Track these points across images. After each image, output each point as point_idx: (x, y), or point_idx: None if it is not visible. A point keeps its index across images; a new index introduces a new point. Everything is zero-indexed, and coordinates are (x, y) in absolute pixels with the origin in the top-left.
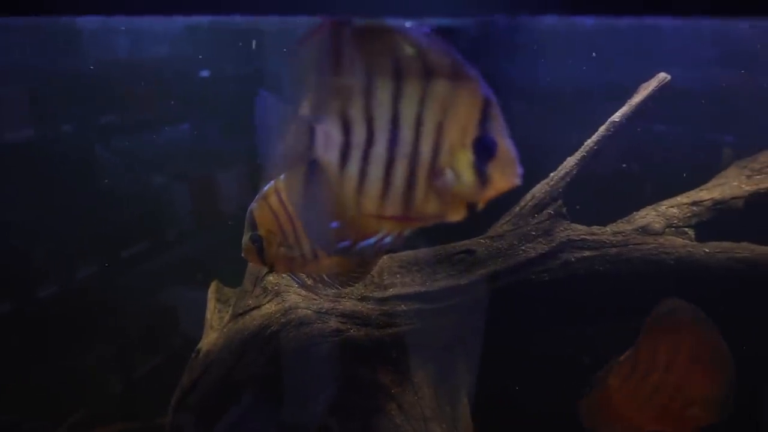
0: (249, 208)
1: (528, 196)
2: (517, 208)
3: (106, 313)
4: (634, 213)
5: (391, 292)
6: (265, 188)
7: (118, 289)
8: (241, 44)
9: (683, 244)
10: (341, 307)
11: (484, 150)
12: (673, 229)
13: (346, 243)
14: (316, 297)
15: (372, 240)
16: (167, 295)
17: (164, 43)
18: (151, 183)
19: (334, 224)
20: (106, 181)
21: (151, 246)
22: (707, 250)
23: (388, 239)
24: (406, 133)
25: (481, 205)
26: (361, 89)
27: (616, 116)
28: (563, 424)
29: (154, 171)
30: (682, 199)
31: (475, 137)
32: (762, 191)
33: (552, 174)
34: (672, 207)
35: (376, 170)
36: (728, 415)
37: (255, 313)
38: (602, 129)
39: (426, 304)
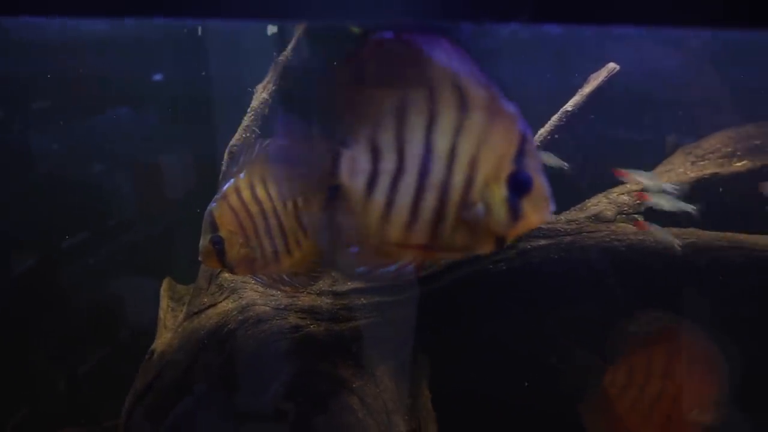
0: (208, 209)
1: None
2: None
3: (47, 306)
4: (587, 201)
5: (349, 286)
6: (224, 187)
7: (58, 282)
8: (185, 30)
9: (634, 231)
10: (300, 302)
11: (519, 186)
12: (624, 216)
13: (363, 269)
14: (273, 293)
15: (393, 267)
16: (112, 287)
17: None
18: (91, 171)
19: (354, 249)
20: (43, 169)
21: (93, 236)
22: None
23: (409, 267)
24: (438, 164)
25: (509, 240)
26: (396, 116)
27: (569, 106)
28: (522, 414)
29: (93, 158)
30: (632, 186)
31: (510, 172)
32: (706, 177)
33: None
34: (622, 194)
35: (404, 199)
36: (726, 415)
37: (211, 311)
38: (555, 118)
39: (385, 296)
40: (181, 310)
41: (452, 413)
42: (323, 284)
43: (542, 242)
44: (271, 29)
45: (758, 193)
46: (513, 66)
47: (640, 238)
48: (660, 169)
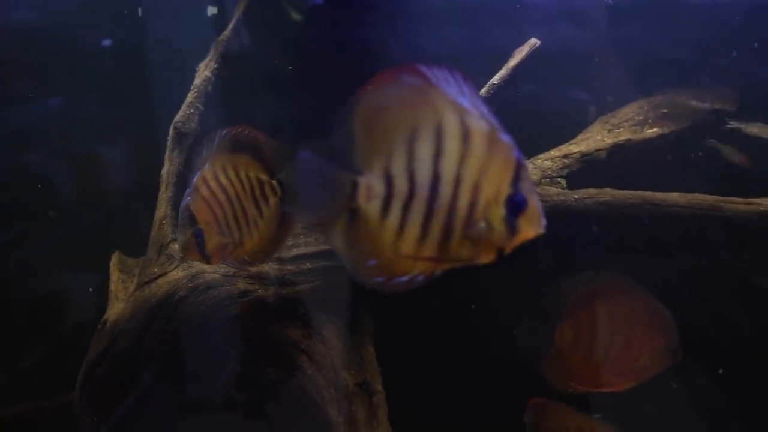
0: (183, 204)
1: None
2: None
3: None
4: None
5: (295, 252)
6: (194, 179)
7: None
8: (125, 12)
9: (557, 192)
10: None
11: (516, 206)
12: (547, 179)
13: (380, 279)
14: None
15: (406, 277)
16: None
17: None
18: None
19: (372, 262)
20: None
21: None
22: (577, 197)
23: (421, 277)
24: (445, 189)
25: (508, 250)
26: (407, 146)
27: (495, 79)
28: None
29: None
30: (555, 152)
31: (508, 195)
32: (621, 143)
33: None
34: (546, 160)
35: (415, 220)
36: (680, 359)
37: (161, 280)
38: (483, 91)
39: (331, 261)
40: (132, 282)
41: (395, 368)
42: None
43: None
44: (211, 10)
45: (666, 155)
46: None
47: (562, 198)
48: (581, 137)
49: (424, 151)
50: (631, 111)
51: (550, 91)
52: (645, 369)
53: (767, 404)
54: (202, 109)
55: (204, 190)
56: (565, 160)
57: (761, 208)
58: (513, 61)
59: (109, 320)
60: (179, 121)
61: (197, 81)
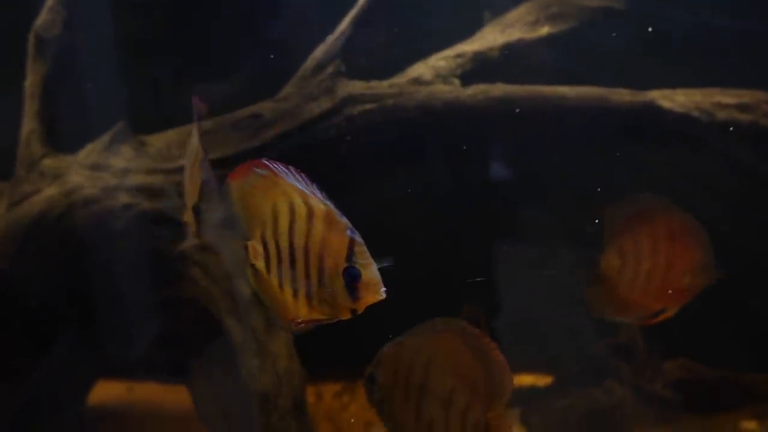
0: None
1: (309, 60)
2: (300, 72)
3: None
4: (407, 68)
5: (180, 162)
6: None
7: None
8: None
9: (450, 89)
10: (129, 182)
11: (352, 278)
12: (440, 79)
13: (285, 320)
14: (100, 175)
15: (301, 321)
16: None
17: None
18: None
19: (274, 305)
20: None
21: None
22: (470, 93)
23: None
24: (299, 258)
25: (360, 311)
26: (271, 220)
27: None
28: None
29: None
30: (448, 52)
31: (344, 268)
32: (513, 42)
33: (328, 37)
34: (440, 60)
35: (287, 278)
36: (718, 276)
37: (34, 198)
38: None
39: (220, 170)
40: (4, 204)
41: None
42: (152, 162)
43: (367, 107)
44: None
45: (553, 54)
46: None
47: (456, 95)
48: (474, 38)
49: (283, 224)
50: (522, 11)
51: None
52: (688, 288)
53: None
54: (66, 13)
55: None
56: (459, 60)
57: (645, 99)
58: None
59: None
60: (41, 27)
61: None
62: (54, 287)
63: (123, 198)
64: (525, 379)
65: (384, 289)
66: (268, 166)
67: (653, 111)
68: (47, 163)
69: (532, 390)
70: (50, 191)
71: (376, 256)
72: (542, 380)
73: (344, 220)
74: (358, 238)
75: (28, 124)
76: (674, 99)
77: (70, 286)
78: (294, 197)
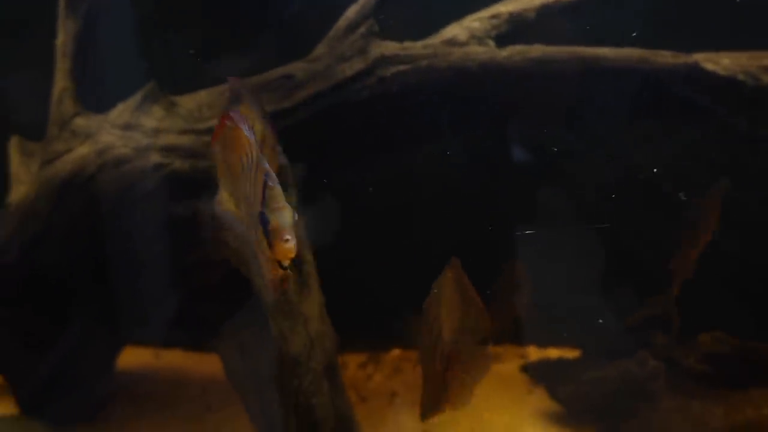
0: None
1: (341, 20)
2: (332, 32)
3: None
4: (441, 29)
5: (212, 123)
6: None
7: None
8: None
9: (485, 50)
10: (161, 141)
11: (263, 225)
12: (476, 40)
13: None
14: (131, 135)
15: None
16: None
17: None
18: None
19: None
20: None
21: None
22: (506, 54)
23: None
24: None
25: (285, 263)
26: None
27: None
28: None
29: None
30: (483, 13)
31: (258, 213)
32: (549, 3)
33: None
34: (474, 21)
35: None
36: None
37: (66, 157)
38: None
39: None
40: (36, 163)
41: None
42: (184, 123)
43: (401, 68)
44: None
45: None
46: None
47: (491, 56)
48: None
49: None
50: None
51: None
52: None
53: None
54: None
55: None
56: (494, 21)
57: (689, 61)
58: None
59: (12, 204)
60: None
61: None
62: (85, 248)
63: (154, 158)
64: (552, 353)
65: (288, 237)
66: (232, 117)
67: (697, 73)
68: (79, 122)
69: (559, 362)
70: (82, 150)
71: (410, 220)
72: (570, 354)
73: (265, 165)
74: (271, 182)
75: (60, 82)
76: (719, 62)
77: (101, 247)
78: (252, 149)
